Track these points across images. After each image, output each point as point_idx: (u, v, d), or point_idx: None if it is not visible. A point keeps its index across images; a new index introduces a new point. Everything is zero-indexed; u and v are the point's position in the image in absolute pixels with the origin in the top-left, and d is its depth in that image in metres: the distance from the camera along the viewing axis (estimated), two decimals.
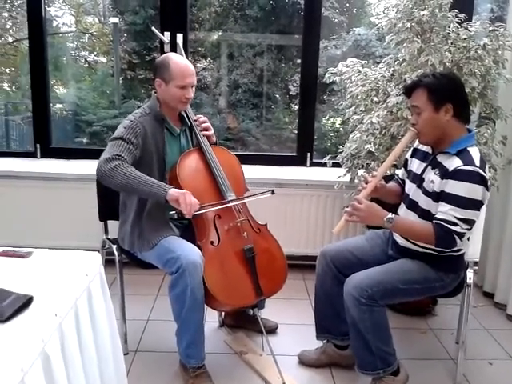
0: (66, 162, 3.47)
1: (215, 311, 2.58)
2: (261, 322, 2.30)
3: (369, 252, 2.25)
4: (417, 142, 2.20)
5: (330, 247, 2.33)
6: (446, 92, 1.96)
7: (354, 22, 5.50)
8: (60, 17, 5.41)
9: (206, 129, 2.41)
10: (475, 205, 1.89)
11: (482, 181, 1.88)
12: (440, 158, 2.01)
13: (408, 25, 2.57)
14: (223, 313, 2.69)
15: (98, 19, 5.70)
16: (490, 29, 2.62)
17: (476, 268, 3.23)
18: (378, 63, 2.97)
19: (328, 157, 3.05)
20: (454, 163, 1.91)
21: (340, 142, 3.22)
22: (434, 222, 1.93)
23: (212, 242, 2.21)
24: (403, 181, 2.28)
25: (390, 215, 1.96)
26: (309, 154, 3.54)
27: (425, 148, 2.15)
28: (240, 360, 2.41)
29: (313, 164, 3.56)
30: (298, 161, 3.58)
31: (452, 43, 2.62)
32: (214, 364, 2.28)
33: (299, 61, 3.79)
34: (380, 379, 2.09)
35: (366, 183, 2.07)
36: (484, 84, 2.62)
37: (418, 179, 2.08)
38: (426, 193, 2.02)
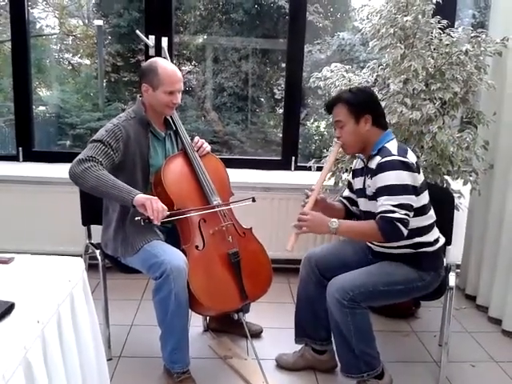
0: (49, 165, 3.43)
1: (199, 316, 2.58)
2: (245, 326, 2.30)
3: (352, 256, 2.27)
4: (353, 163, 2.33)
5: (315, 251, 2.34)
6: (364, 104, 2.10)
7: (338, 27, 5.53)
8: (43, 19, 5.36)
9: (202, 146, 2.42)
10: (405, 189, 1.96)
11: (403, 166, 1.97)
12: (369, 164, 2.12)
13: (391, 30, 2.60)
14: (207, 317, 2.68)
15: (82, 21, 5.66)
16: (472, 35, 2.66)
17: (458, 271, 3.27)
18: (362, 68, 3.00)
19: (313, 161, 3.07)
20: (376, 161, 2.03)
21: (324, 145, 3.23)
22: (376, 217, 1.98)
23: (197, 247, 2.20)
24: (348, 199, 2.36)
25: (334, 219, 2.02)
26: (293, 157, 3.56)
27: (360, 165, 2.25)
28: (224, 364, 2.41)
29: (297, 168, 3.57)
30: (283, 165, 3.58)
31: (435, 49, 2.65)
32: (199, 369, 2.27)
33: (284, 65, 3.81)
34: (364, 382, 2.10)
35: (307, 198, 2.15)
36: (466, 89, 2.65)
37: (363, 191, 2.17)
38: (370, 198, 2.10)
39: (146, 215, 1.97)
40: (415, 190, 1.99)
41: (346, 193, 2.39)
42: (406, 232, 1.95)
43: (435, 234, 2.15)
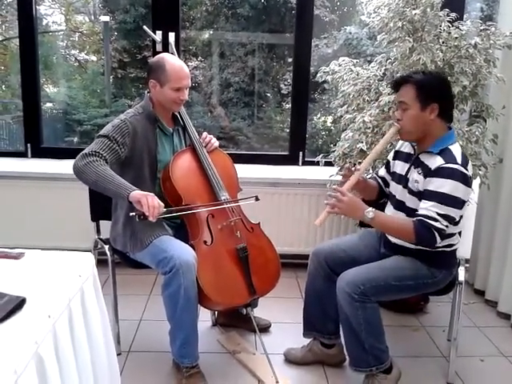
0: (57, 161, 3.44)
1: (208, 310, 2.58)
2: (254, 321, 2.30)
3: (362, 250, 2.26)
4: (398, 144, 2.24)
5: (323, 246, 2.33)
6: (434, 92, 1.98)
7: (344, 21, 5.51)
8: (50, 15, 5.38)
9: (210, 141, 2.42)
10: (456, 202, 1.91)
11: (463, 178, 1.90)
12: (422, 157, 2.04)
13: (400, 24, 2.58)
14: (216, 312, 2.69)
15: (89, 18, 5.67)
16: (481, 28, 2.64)
17: (467, 265, 3.25)
18: (370, 62, 2.98)
19: (320, 156, 3.06)
20: (436, 162, 1.94)
21: (331, 140, 3.23)
22: (415, 218, 1.94)
23: (205, 242, 2.20)
24: (382, 179, 2.31)
25: (371, 209, 1.97)
26: (301, 152, 3.55)
27: (407, 149, 2.18)
28: (233, 359, 2.41)
29: (305, 163, 3.56)
30: (291, 160, 3.58)
31: (443, 42, 2.63)
32: (207, 363, 2.28)
33: (290, 59, 3.80)
34: (373, 376, 2.10)
35: (349, 176, 2.08)
36: (475, 83, 2.64)
37: (404, 180, 2.11)
38: (412, 192, 2.05)
39: (142, 211, 1.95)
40: (463, 205, 1.95)
41: (382, 172, 2.32)
42: (439, 242, 1.93)
43: (458, 238, 2.11)
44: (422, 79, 1.98)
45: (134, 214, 1.97)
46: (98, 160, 2.05)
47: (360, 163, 2.72)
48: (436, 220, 1.90)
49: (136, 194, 1.96)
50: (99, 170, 2.01)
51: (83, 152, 2.07)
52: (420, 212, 1.94)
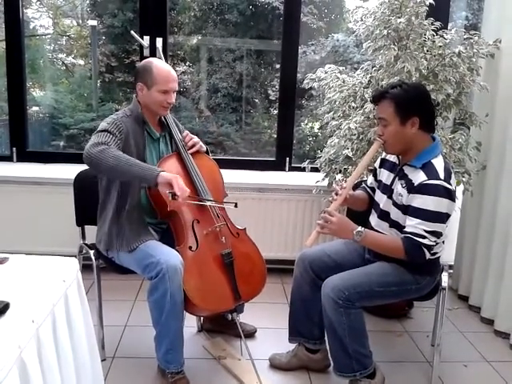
0: (43, 165, 3.43)
1: (193, 316, 2.58)
2: (239, 327, 2.30)
3: (346, 256, 2.28)
4: (384, 152, 2.25)
5: (309, 251, 2.34)
6: (414, 105, 1.98)
7: (332, 28, 5.55)
8: (37, 19, 5.35)
9: (194, 145, 2.41)
10: (442, 217, 1.93)
11: (447, 193, 1.92)
12: (406, 169, 2.05)
13: (385, 32, 2.62)
14: (201, 318, 2.69)
15: (76, 22, 5.64)
16: (465, 37, 2.69)
17: (451, 271, 3.29)
18: (356, 69, 3.01)
19: (306, 162, 3.08)
20: (419, 177, 1.95)
21: (318, 146, 3.25)
22: (403, 235, 1.97)
23: (190, 247, 2.20)
24: (372, 188, 2.33)
25: (360, 229, 1.99)
26: (288, 158, 3.57)
27: (392, 158, 2.19)
28: (219, 365, 2.41)
29: (291, 169, 3.59)
30: (277, 165, 3.60)
31: (428, 50, 2.67)
32: (193, 369, 2.28)
33: (278, 66, 3.83)
34: (356, 381, 2.11)
35: (336, 195, 2.10)
36: (459, 91, 2.68)
37: (388, 190, 2.12)
38: (396, 205, 2.07)
39: (172, 191, 1.98)
40: (448, 218, 1.97)
41: (371, 180, 2.34)
42: (428, 256, 1.96)
43: (441, 246, 2.12)
44: (400, 94, 1.97)
45: (169, 192, 1.99)
46: (111, 147, 2.04)
47: (346, 170, 2.78)
48: (424, 237, 1.92)
49: (165, 174, 1.99)
50: (116, 154, 2.01)
51: (92, 142, 2.04)
52: (408, 229, 1.96)
